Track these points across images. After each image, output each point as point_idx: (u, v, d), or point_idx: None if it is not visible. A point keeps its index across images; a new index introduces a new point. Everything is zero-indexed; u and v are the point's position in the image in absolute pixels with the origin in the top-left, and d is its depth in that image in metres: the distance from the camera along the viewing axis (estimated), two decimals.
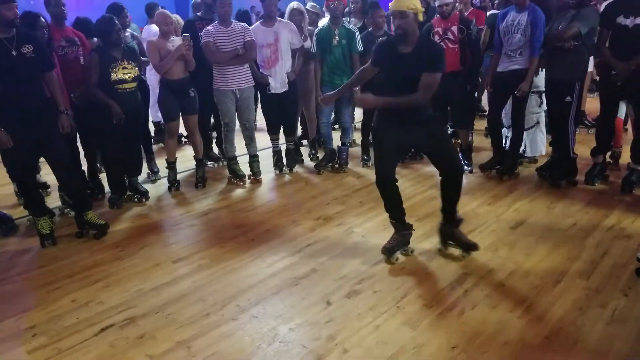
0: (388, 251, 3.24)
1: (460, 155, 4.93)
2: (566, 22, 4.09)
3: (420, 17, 2.97)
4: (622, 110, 4.67)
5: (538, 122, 4.97)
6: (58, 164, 3.69)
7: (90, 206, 3.92)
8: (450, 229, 3.34)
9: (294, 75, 4.91)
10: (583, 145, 4.89)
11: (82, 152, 4.51)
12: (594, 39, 4.19)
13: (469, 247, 3.27)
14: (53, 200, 4.43)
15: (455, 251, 3.36)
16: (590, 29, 4.02)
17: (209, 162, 5.33)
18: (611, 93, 4.24)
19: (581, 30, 3.98)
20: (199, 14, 5.11)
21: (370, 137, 3.13)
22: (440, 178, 3.25)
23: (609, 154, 4.70)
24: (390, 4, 3.01)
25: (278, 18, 4.82)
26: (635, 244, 3.39)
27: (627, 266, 3.10)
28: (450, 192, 3.26)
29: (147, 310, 2.85)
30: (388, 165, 3.17)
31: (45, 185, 4.65)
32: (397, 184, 3.22)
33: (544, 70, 4.56)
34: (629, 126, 5.14)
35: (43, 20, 3.85)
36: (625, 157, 4.62)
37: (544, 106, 5.01)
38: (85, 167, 4.54)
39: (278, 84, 4.81)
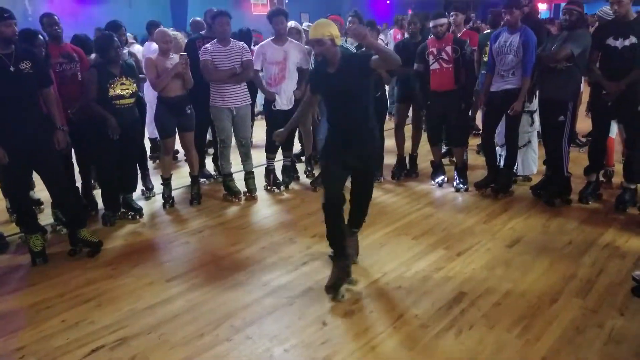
0: (333, 289, 3.05)
1: (455, 173, 4.99)
2: (559, 43, 4.16)
3: (338, 42, 3.03)
4: (614, 129, 4.73)
5: (530, 141, 5.01)
6: (52, 180, 3.66)
7: (85, 223, 3.88)
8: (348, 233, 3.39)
9: (300, 94, 4.93)
10: (576, 164, 4.93)
11: (76, 169, 4.48)
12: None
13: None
14: (45, 217, 4.39)
15: (452, 269, 3.36)
16: (582, 50, 4.08)
17: (201, 179, 5.31)
18: (602, 113, 4.29)
19: (574, 52, 4.04)
20: (202, 32, 5.16)
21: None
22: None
23: (602, 172, 4.74)
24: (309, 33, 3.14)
25: (289, 38, 4.88)
26: (630, 263, 3.39)
27: (622, 285, 3.10)
28: (359, 213, 3.43)
29: (140, 331, 2.81)
30: (337, 183, 3.13)
31: (38, 202, 4.61)
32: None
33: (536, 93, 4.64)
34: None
35: (41, 38, 3.87)
36: (618, 176, 4.65)
37: (536, 125, 5.06)
38: (79, 184, 4.51)
39: (284, 100, 4.84)
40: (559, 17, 4.55)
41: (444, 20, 4.60)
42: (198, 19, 6.00)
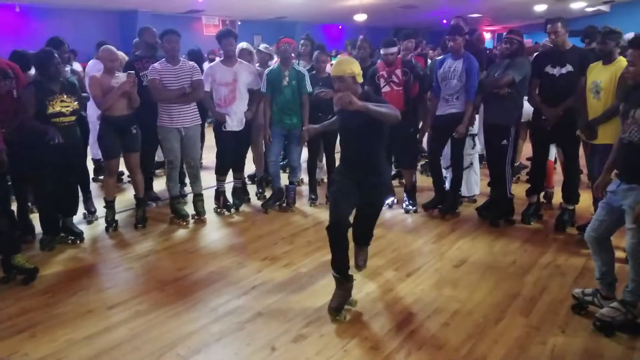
0: (336, 311, 3.04)
1: (405, 195, 5.08)
2: (501, 70, 4.35)
3: (359, 79, 3.10)
4: (553, 152, 4.96)
5: (472, 164, 5.19)
6: None
7: (19, 249, 3.65)
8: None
9: (251, 115, 4.91)
10: (519, 186, 5.12)
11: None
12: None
13: (355, 265, 3.53)
14: None
15: (402, 290, 3.39)
16: (523, 77, 4.28)
17: (148, 202, 5.14)
18: (542, 137, 4.49)
19: (515, 78, 4.24)
20: (137, 53, 5.05)
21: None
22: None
23: (542, 194, 4.95)
24: (331, 70, 3.15)
25: (239, 59, 4.86)
26: (570, 281, 3.53)
27: (563, 302, 3.21)
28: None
29: None
30: (343, 208, 3.10)
31: None
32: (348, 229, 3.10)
33: (476, 115, 4.82)
34: (559, 166, 5.42)
35: None
36: (558, 197, 4.87)
37: (477, 148, 5.25)
38: (14, 206, 4.26)
39: (235, 122, 4.80)
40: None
41: (394, 49, 4.70)
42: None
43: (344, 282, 3.10)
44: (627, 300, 2.85)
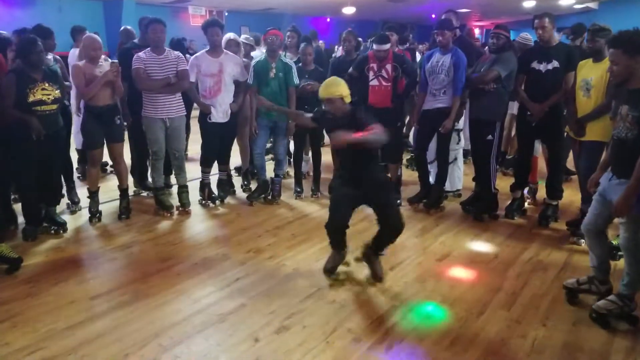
0: (329, 272, 3.45)
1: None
2: (487, 65, 4.37)
3: (347, 100, 3.22)
4: (538, 149, 5.01)
5: (456, 159, 5.21)
6: None
7: (2, 238, 3.61)
8: (372, 256, 3.50)
9: (237, 107, 4.88)
10: (502, 181, 5.16)
11: None
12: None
13: (376, 277, 3.46)
14: None
15: (385, 283, 3.41)
16: (509, 72, 4.30)
17: (144, 192, 5.17)
18: (527, 133, 4.53)
19: (501, 74, 4.26)
20: (135, 40, 4.98)
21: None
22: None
23: (526, 189, 5.00)
24: (319, 91, 3.32)
25: (225, 50, 4.81)
26: (552, 275, 3.57)
27: (544, 297, 3.26)
28: (387, 239, 3.45)
29: (59, 352, 2.62)
30: (342, 210, 3.29)
31: None
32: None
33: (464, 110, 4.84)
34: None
35: None
36: (542, 192, 4.92)
37: (462, 143, 5.28)
38: None
39: (220, 113, 4.76)
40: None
41: (387, 46, 4.66)
42: (129, 27, 5.81)
43: (339, 250, 3.46)
44: (624, 293, 2.89)
